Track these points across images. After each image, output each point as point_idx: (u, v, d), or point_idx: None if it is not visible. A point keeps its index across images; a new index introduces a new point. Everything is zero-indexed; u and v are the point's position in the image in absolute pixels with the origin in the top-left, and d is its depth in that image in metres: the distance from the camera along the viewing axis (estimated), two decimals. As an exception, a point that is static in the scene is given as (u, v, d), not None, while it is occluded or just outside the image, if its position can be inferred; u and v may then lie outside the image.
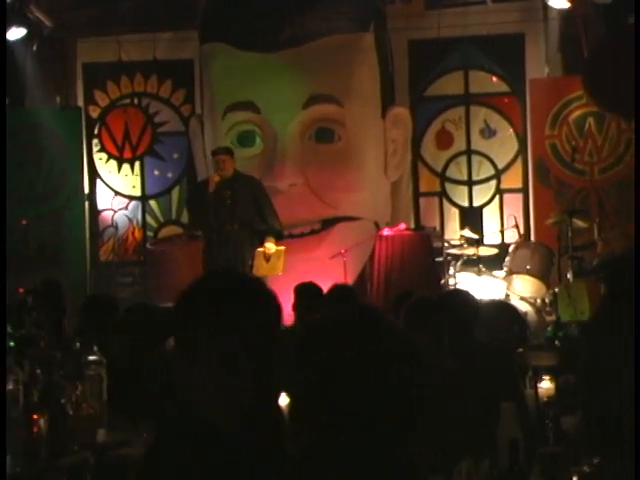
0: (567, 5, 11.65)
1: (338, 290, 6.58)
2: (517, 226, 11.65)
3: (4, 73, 11.24)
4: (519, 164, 12.50)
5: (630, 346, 1.50)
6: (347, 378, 1.88)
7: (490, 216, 12.51)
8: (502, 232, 12.19)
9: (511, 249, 11.06)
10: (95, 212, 12.99)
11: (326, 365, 1.90)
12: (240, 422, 2.18)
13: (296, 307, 7.02)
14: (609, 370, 1.54)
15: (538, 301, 10.70)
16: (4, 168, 11.01)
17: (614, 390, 1.51)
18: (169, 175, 13.04)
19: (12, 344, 3.59)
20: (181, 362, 2.36)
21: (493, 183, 12.58)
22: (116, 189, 13.03)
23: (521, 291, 10.77)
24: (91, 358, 3.86)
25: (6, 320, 3.60)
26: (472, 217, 12.39)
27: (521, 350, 6.24)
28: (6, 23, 11.33)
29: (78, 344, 3.82)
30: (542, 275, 10.72)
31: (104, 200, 13.02)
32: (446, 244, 11.33)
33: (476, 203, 12.58)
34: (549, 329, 9.17)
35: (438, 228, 12.21)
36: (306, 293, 7.04)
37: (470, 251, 11.04)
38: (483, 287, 10.60)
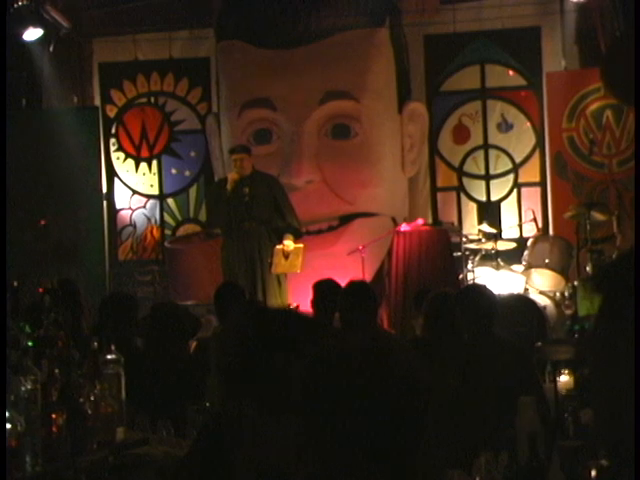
0: (583, -3, 11.62)
1: (354, 286, 6.57)
2: (535, 220, 11.62)
3: (4, 72, 11.26)
4: (537, 158, 12.46)
5: (631, 356, 1.48)
6: (352, 410, 1.87)
7: (508, 210, 12.48)
8: (520, 226, 12.17)
9: (530, 243, 11.04)
10: (113, 211, 13.03)
11: (331, 397, 1.89)
12: None
13: (315, 303, 7.02)
14: (613, 379, 1.52)
15: (557, 295, 10.67)
16: (4, 167, 11.04)
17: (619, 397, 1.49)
18: (186, 173, 13.06)
19: (30, 344, 3.59)
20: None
21: (511, 177, 12.55)
22: (134, 188, 13.07)
23: (540, 285, 10.75)
24: (109, 357, 3.87)
25: (6, 320, 3.60)
26: (490, 211, 12.36)
27: (540, 344, 6.23)
28: (11, 23, 11.31)
29: (96, 343, 3.82)
30: (561, 269, 10.69)
31: (122, 199, 13.06)
32: (464, 239, 11.31)
33: (494, 197, 12.56)
34: (568, 323, 9.15)
35: (456, 223, 12.19)
36: (325, 290, 7.04)
37: (488, 245, 11.02)
38: (502, 281, 10.59)
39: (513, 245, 11.29)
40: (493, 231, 11.18)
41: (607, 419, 1.53)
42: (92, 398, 3.69)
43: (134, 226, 13.03)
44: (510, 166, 12.52)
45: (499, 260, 10.89)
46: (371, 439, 1.87)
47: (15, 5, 11.42)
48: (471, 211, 12.55)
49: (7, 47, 10.97)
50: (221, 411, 2.49)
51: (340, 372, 1.90)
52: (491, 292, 5.93)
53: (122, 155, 13.07)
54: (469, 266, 10.93)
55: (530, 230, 11.73)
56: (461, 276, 10.87)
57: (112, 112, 13.12)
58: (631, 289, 1.48)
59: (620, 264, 1.58)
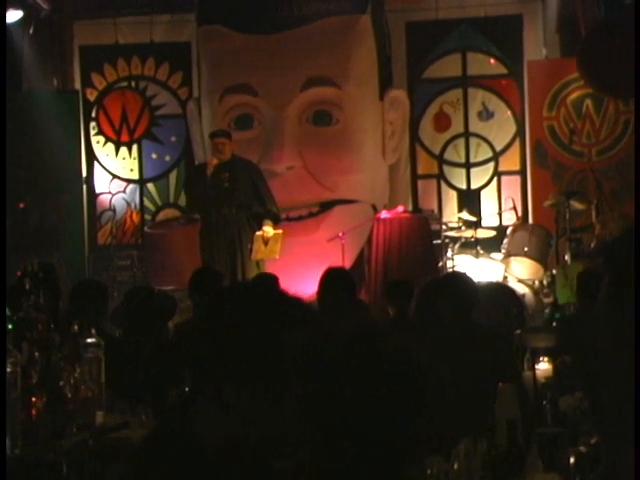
0: (565, -14, 11.63)
1: (332, 273, 6.55)
2: (515, 208, 11.64)
3: (4, 72, 11.21)
4: (517, 146, 12.49)
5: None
6: (343, 396, 1.87)
7: (488, 198, 12.51)
8: (500, 214, 12.20)
9: (509, 231, 11.07)
10: (93, 195, 12.98)
11: (321, 382, 1.89)
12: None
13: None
14: (615, 354, 1.53)
15: (536, 283, 10.71)
16: (4, 164, 11.00)
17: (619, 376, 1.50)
18: (167, 158, 13.03)
19: (10, 327, 3.58)
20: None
21: (491, 165, 12.57)
22: (114, 172, 13.02)
23: (519, 273, 10.78)
24: (89, 340, 3.86)
25: (5, 304, 3.59)
26: (470, 199, 12.39)
27: (519, 332, 6.24)
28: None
29: (76, 327, 3.81)
30: (540, 257, 10.73)
31: (102, 183, 13.01)
32: (444, 226, 11.33)
33: (474, 185, 12.58)
34: (547, 311, 9.19)
35: (436, 211, 12.22)
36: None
37: (468, 233, 11.04)
38: (481, 269, 10.61)
39: (493, 233, 11.32)
40: (473, 219, 11.21)
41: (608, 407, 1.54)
42: (72, 381, 3.68)
43: (114, 210, 12.99)
44: (490, 154, 12.54)
45: (478, 248, 10.91)
46: (361, 425, 1.87)
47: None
48: (451, 199, 12.57)
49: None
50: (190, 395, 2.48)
51: (330, 357, 1.90)
52: (471, 280, 5.95)
53: (102, 139, 13.02)
54: (449, 254, 10.95)
55: (510, 218, 11.76)
56: (441, 264, 10.89)
57: (92, 96, 13.06)
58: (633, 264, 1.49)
59: (621, 243, 1.58)
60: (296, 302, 2.34)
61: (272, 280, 7.75)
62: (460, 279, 5.96)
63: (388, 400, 1.87)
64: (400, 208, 11.43)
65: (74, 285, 6.77)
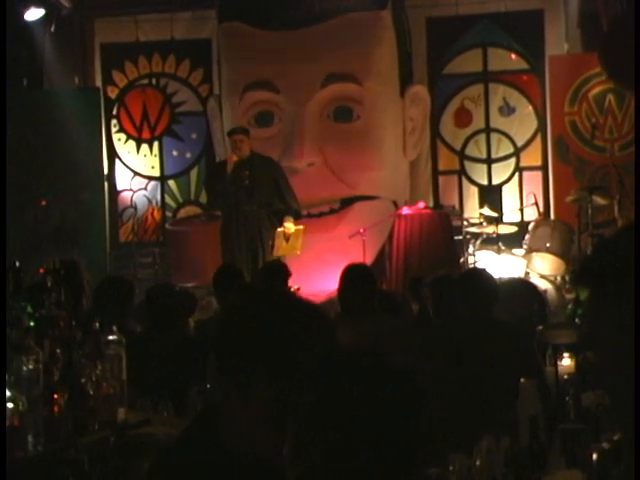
0: (586, -20, 11.59)
1: (354, 270, 6.53)
2: (537, 204, 11.60)
3: (4, 73, 11.24)
4: (538, 142, 12.46)
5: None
6: (354, 395, 1.88)
7: (509, 194, 12.48)
8: (521, 210, 12.16)
9: (531, 227, 11.04)
10: (114, 193, 13.03)
11: (329, 392, 1.90)
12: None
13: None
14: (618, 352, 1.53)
15: (558, 279, 10.68)
16: (4, 164, 11.03)
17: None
18: (187, 155, 13.06)
19: (32, 324, 3.59)
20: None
21: (512, 161, 12.54)
22: (135, 169, 13.06)
23: (541, 269, 10.75)
24: (110, 337, 3.87)
25: (5, 303, 3.59)
26: (491, 195, 12.37)
27: (541, 328, 6.22)
28: (12, 2, 11.25)
29: (97, 324, 3.82)
30: (562, 253, 10.69)
31: (123, 181, 13.06)
32: (465, 222, 11.32)
33: (495, 181, 12.56)
34: (569, 307, 9.15)
35: (457, 206, 12.21)
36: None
37: (489, 229, 11.02)
38: (503, 265, 10.59)
39: (514, 229, 11.29)
40: (494, 215, 11.18)
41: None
42: (94, 378, 3.69)
43: (135, 208, 13.03)
44: (512, 150, 12.51)
45: (500, 244, 10.89)
46: (375, 424, 1.88)
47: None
48: (472, 195, 12.55)
49: (8, 27, 10.93)
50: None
51: (338, 370, 1.92)
52: (491, 276, 5.93)
53: (123, 136, 13.07)
54: (470, 250, 10.94)
55: (531, 214, 11.73)
56: (462, 260, 10.88)
57: (113, 93, 13.10)
58: (614, 278, 1.49)
59: (599, 257, 1.58)
60: (311, 308, 2.35)
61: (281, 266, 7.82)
62: (478, 275, 5.95)
63: (397, 400, 1.88)
64: (421, 204, 11.42)
65: (99, 282, 6.78)
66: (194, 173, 13.03)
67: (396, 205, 12.00)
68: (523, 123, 12.48)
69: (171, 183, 13.07)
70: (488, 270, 6.59)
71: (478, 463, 3.56)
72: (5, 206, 10.72)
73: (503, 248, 10.89)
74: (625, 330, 1.46)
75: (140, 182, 13.06)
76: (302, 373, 2.04)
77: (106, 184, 12.91)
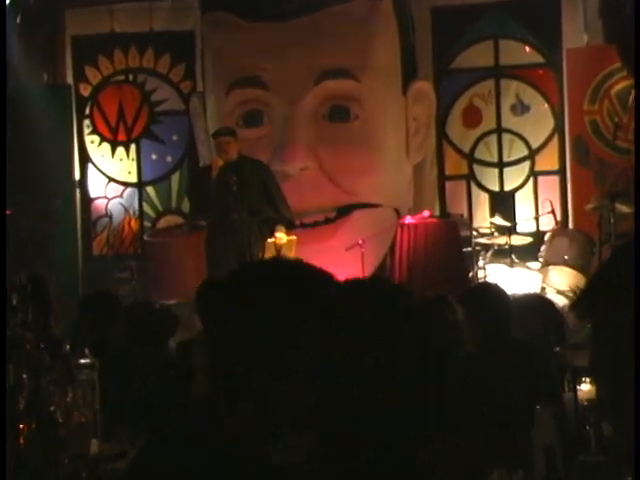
0: (608, -35, 11.62)
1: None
2: (553, 212, 11.63)
3: (4, 72, 11.28)
4: (555, 143, 12.48)
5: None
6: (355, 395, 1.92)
7: (523, 201, 12.50)
8: (537, 219, 12.18)
9: (547, 238, 11.07)
10: (87, 201, 13.03)
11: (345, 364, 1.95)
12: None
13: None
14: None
15: (577, 295, 10.69)
16: (4, 168, 11.05)
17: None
18: (168, 159, 13.07)
19: (-5, 346, 3.59)
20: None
21: (526, 165, 12.56)
22: (110, 175, 13.06)
23: (558, 284, 10.77)
24: (83, 361, 3.87)
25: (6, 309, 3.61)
26: (503, 203, 12.38)
27: (558, 349, 6.24)
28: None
29: (68, 347, 3.83)
30: (581, 266, 10.71)
31: (97, 187, 13.06)
32: (475, 233, 11.34)
33: (508, 187, 12.57)
34: (589, 326, 9.15)
35: (466, 215, 12.21)
36: None
37: (501, 240, 11.04)
38: (516, 280, 10.60)
39: (529, 240, 11.32)
40: (507, 224, 11.21)
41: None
42: (64, 406, 3.70)
43: (110, 217, 13.03)
44: (526, 152, 12.53)
45: (513, 256, 10.91)
46: (376, 425, 1.92)
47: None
48: (483, 202, 12.57)
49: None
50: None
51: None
52: (503, 291, 5.94)
53: (97, 139, 13.07)
54: (480, 263, 10.96)
55: (548, 223, 11.75)
56: (471, 274, 10.89)
57: (86, 91, 13.11)
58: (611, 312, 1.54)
59: (594, 288, 1.65)
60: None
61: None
62: (489, 291, 5.95)
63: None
64: (426, 213, 11.44)
65: (82, 297, 6.80)
66: (175, 179, 13.03)
67: (398, 213, 12.01)
68: (538, 123, 12.50)
69: (150, 190, 13.07)
70: (500, 285, 6.60)
71: (489, 499, 3.56)
72: (5, 207, 10.75)
73: (516, 261, 10.91)
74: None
75: (116, 189, 13.06)
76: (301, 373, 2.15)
77: (78, 191, 12.92)
